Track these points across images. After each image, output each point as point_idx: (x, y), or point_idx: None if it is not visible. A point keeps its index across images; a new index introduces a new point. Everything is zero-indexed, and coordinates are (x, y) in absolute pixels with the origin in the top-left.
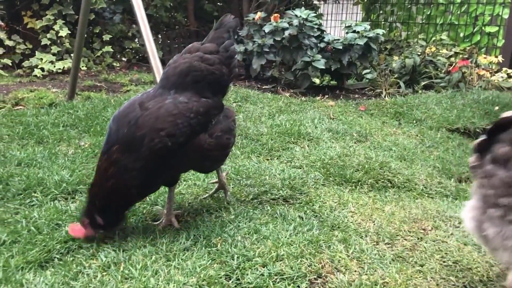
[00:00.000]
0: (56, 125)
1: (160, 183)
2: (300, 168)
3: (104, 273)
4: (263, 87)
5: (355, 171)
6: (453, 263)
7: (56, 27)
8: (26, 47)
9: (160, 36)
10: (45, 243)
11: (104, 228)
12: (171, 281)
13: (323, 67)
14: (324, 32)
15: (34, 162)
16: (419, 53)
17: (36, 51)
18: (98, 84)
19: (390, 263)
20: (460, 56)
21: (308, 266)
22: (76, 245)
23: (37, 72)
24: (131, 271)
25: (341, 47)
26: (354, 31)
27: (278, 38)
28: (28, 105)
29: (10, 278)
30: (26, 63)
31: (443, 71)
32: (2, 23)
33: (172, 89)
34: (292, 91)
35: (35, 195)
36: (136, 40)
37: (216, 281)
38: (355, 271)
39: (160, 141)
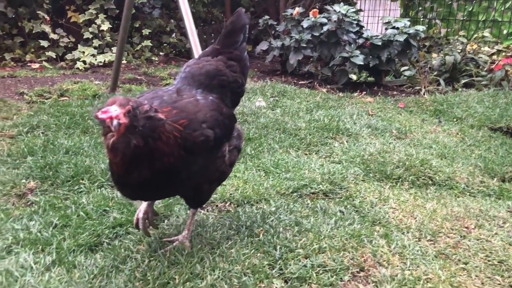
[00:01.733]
0: None
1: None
2: (339, 163)
3: (151, 259)
4: (300, 82)
5: (396, 168)
6: (498, 262)
7: (98, 21)
8: (69, 40)
9: (197, 31)
10: (94, 228)
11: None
12: (216, 268)
13: (362, 63)
14: (363, 28)
15: (81, 150)
16: (460, 51)
17: (78, 45)
18: (138, 77)
19: (432, 259)
20: (503, 54)
21: (351, 259)
22: (123, 231)
23: (79, 64)
24: (178, 257)
25: (380, 43)
26: (393, 27)
27: (316, 34)
28: (72, 96)
29: (63, 259)
30: (68, 56)
31: (484, 69)
32: (47, 17)
33: (199, 88)
34: (329, 86)
35: (83, 182)
36: (174, 35)
37: (260, 269)
38: (398, 266)
39: (202, 133)
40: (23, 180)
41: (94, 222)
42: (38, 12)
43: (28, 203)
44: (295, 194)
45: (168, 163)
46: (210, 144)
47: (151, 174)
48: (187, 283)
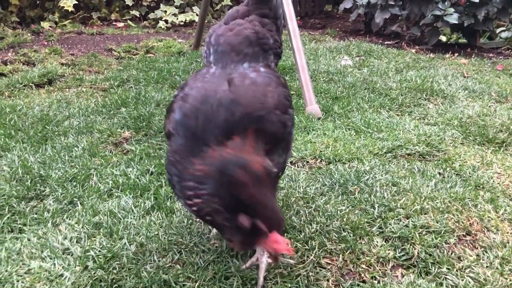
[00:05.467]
0: (186, 72)
1: None
2: (435, 125)
3: None
4: (385, 43)
5: (499, 132)
6: None
7: None
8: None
9: None
10: None
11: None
12: (313, 221)
13: (456, 22)
14: None
15: None
16: None
17: (160, 4)
18: None
19: None
20: None
21: (456, 222)
22: None
23: (161, 24)
24: None
25: (477, 0)
26: None
27: None
28: (158, 53)
29: (162, 204)
30: (151, 15)
31: None
32: None
33: (245, 62)
34: (417, 47)
35: None
36: None
37: (360, 226)
38: (508, 232)
39: (279, 120)
40: (119, 130)
41: None
42: None
43: (124, 151)
44: (389, 154)
45: None
46: (288, 130)
47: None
48: (285, 234)
